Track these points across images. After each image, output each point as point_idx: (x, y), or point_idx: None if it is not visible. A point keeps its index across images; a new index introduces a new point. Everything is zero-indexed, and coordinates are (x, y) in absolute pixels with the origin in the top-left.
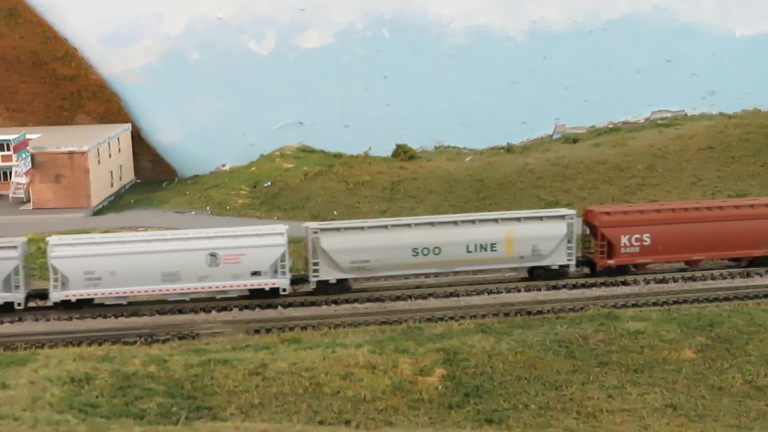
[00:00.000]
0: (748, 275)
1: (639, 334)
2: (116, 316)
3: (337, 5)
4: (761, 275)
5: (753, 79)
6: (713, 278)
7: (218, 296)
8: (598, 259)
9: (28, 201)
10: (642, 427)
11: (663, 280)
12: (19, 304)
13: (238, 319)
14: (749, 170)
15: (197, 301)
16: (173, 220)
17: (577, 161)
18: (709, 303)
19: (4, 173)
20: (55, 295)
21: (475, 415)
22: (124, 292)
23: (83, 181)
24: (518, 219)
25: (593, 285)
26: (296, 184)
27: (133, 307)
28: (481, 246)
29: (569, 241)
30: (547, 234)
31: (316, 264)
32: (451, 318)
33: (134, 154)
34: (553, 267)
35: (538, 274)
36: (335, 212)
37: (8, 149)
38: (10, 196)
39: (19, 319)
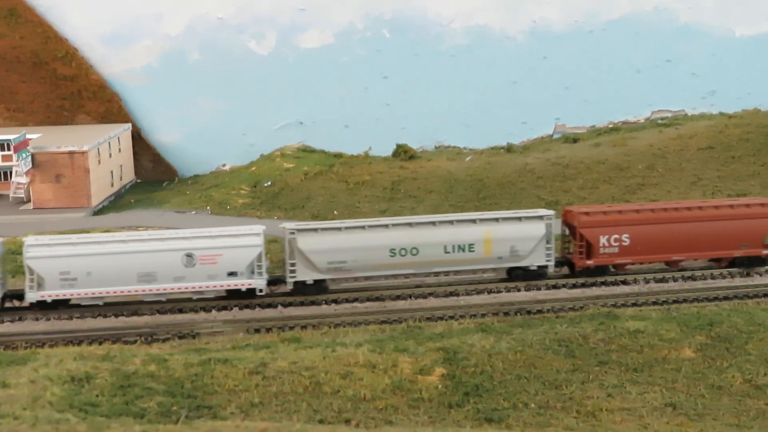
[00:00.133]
0: (748, 275)
1: (639, 334)
2: (116, 316)
3: (337, 5)
4: (761, 275)
5: (753, 79)
6: (713, 278)
7: (195, 297)
8: (577, 260)
9: (29, 201)
10: (642, 426)
11: (663, 280)
12: None
13: (238, 319)
14: (749, 170)
15: (196, 301)
16: (173, 220)
17: (577, 161)
18: (709, 302)
19: (5, 173)
20: (31, 296)
21: (474, 414)
22: (100, 293)
23: (83, 181)
24: (496, 219)
25: (593, 284)
26: (296, 184)
27: (133, 306)
28: (459, 247)
29: (548, 242)
30: (525, 234)
31: (293, 265)
32: (451, 317)
33: (134, 153)
34: (532, 268)
35: (517, 275)
36: (335, 212)
37: (9, 149)
38: (11, 195)
39: (20, 319)
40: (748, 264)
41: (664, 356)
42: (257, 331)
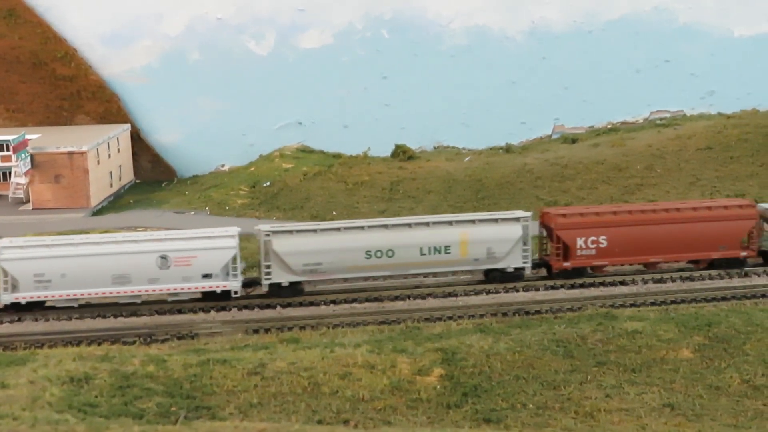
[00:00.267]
0: (746, 275)
1: (637, 334)
2: (115, 316)
3: (337, 5)
4: (759, 275)
5: (752, 79)
6: (711, 278)
7: (170, 299)
8: (554, 262)
9: (28, 201)
10: (640, 427)
11: (661, 280)
12: None
13: (236, 319)
14: (748, 170)
15: (196, 301)
16: (172, 221)
17: (576, 161)
18: (707, 303)
19: (4, 173)
20: (5, 298)
21: (473, 415)
22: (75, 295)
23: (83, 182)
24: (472, 221)
25: (591, 285)
26: (295, 185)
27: (132, 307)
28: (434, 248)
29: (525, 244)
30: (501, 236)
31: (268, 267)
32: (450, 318)
33: (134, 154)
34: (509, 269)
35: (494, 277)
36: (334, 212)
37: (8, 149)
38: (10, 196)
39: (19, 319)
40: (727, 266)
41: (662, 357)
42: (256, 331)
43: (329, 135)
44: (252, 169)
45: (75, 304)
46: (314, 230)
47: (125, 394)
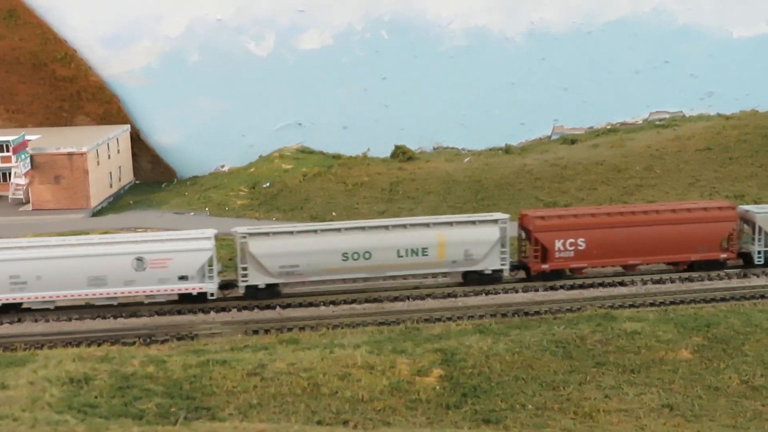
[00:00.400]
0: (745, 276)
1: (636, 335)
2: (115, 317)
3: (337, 6)
4: (758, 276)
5: (751, 80)
6: (710, 279)
7: (146, 301)
8: (532, 264)
9: (28, 202)
10: (639, 428)
11: (660, 281)
12: None
13: (236, 320)
14: (747, 171)
15: (195, 302)
16: (172, 221)
17: (575, 162)
18: (706, 303)
19: (4, 174)
20: None
21: (472, 416)
22: (51, 297)
23: (82, 182)
24: (450, 223)
25: (590, 285)
26: (295, 185)
27: (132, 307)
28: (412, 251)
29: (503, 246)
30: (479, 238)
31: (244, 269)
32: (449, 319)
33: (133, 155)
34: (487, 272)
35: (472, 279)
36: (334, 213)
37: (8, 150)
38: (10, 197)
39: (19, 320)
40: (706, 268)
41: (661, 357)
42: (255, 332)
43: (329, 136)
44: (252, 169)
45: (51, 306)
46: (291, 232)
47: (125, 394)
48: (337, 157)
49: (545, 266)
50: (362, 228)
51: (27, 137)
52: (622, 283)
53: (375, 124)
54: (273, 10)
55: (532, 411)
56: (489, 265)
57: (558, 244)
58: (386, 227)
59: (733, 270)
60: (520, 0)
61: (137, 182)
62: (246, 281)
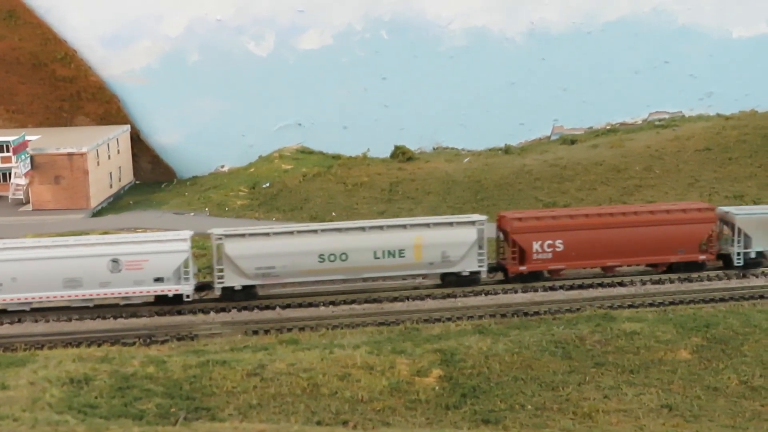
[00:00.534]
0: (744, 276)
1: (635, 335)
2: (115, 317)
3: (337, 6)
4: (757, 276)
5: (750, 80)
6: (709, 279)
7: (122, 303)
8: (510, 266)
9: (28, 202)
10: (638, 428)
11: (659, 281)
12: None
13: (236, 320)
14: (746, 171)
15: (195, 302)
16: (172, 222)
17: (574, 162)
18: (705, 304)
19: (4, 174)
20: None
21: (471, 416)
22: (26, 298)
23: (82, 183)
24: (427, 225)
25: (590, 286)
26: (295, 186)
27: (132, 308)
28: (389, 252)
29: (480, 247)
30: (456, 240)
31: (221, 271)
32: (449, 319)
33: (133, 155)
34: (464, 273)
35: (450, 281)
36: (333, 213)
37: (8, 151)
38: (10, 197)
39: (19, 320)
40: (685, 269)
41: (660, 358)
42: (255, 332)
43: (329, 136)
44: (251, 170)
45: (27, 308)
46: (267, 234)
47: (125, 395)
48: (336, 157)
49: (523, 268)
50: (338, 229)
51: (27, 137)
52: (621, 284)
53: (375, 124)
54: (273, 10)
55: (532, 411)
56: (466, 266)
57: (536, 246)
58: (363, 229)
59: (732, 270)
60: (520, 0)
61: (137, 182)
62: (222, 283)
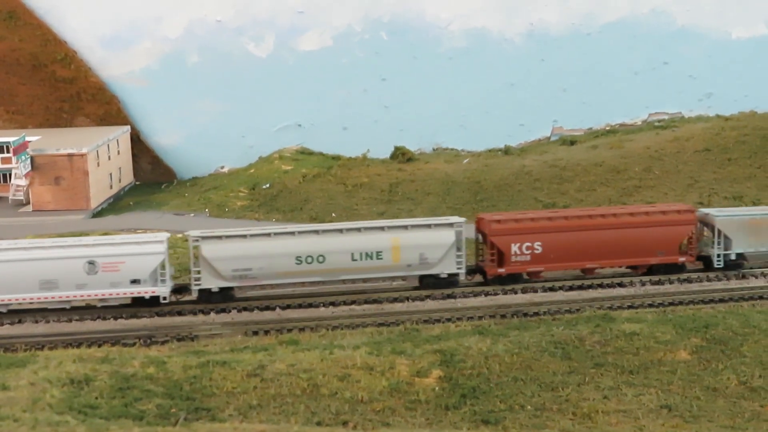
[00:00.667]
0: (744, 277)
1: (634, 336)
2: (115, 318)
3: (336, 8)
4: (756, 277)
5: (750, 81)
6: (708, 280)
7: (99, 305)
8: (488, 268)
9: (28, 203)
10: (637, 428)
11: (659, 282)
12: None
13: (236, 321)
14: (746, 172)
15: (195, 303)
16: (172, 222)
17: (574, 163)
18: (704, 304)
19: (4, 175)
20: None
21: (471, 416)
22: (2, 300)
23: (83, 183)
24: (405, 227)
25: (590, 287)
26: (295, 186)
27: (132, 309)
28: (366, 254)
29: (458, 249)
30: (434, 242)
31: (197, 272)
32: (448, 320)
33: (133, 156)
34: (442, 275)
35: (428, 283)
36: (333, 214)
37: (8, 151)
38: (10, 198)
39: (19, 321)
40: (665, 271)
41: (659, 358)
42: (255, 333)
43: (328, 137)
44: (251, 170)
45: (4, 310)
46: (244, 236)
47: (125, 395)
48: (336, 158)
49: (501, 270)
50: (316, 231)
51: (27, 138)
52: (620, 284)
53: (374, 125)
54: (272, 12)
55: (531, 412)
56: (444, 268)
57: (514, 248)
58: (340, 231)
59: (731, 271)
60: (520, 1)
61: (137, 183)
62: (199, 285)
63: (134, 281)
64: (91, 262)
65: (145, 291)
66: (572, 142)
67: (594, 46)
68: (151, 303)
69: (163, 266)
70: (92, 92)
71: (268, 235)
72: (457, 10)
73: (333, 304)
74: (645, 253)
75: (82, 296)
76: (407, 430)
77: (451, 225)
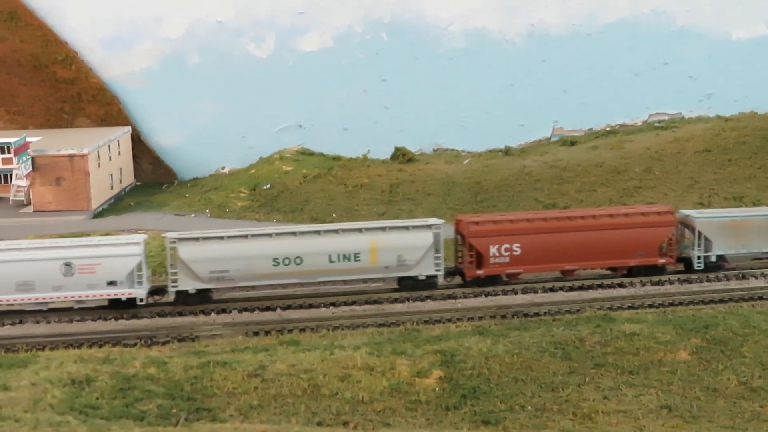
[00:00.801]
0: (743, 277)
1: (634, 336)
2: (116, 319)
3: (336, 8)
4: (756, 277)
5: (750, 81)
6: (708, 280)
7: (76, 306)
8: (467, 269)
9: (29, 204)
10: (637, 429)
11: (659, 282)
12: None
13: (237, 322)
14: (746, 173)
15: (125, 307)
16: (173, 223)
17: (574, 164)
18: (705, 305)
19: (5, 176)
20: None
21: (472, 417)
22: None
23: (83, 184)
24: (383, 229)
25: (590, 287)
26: (295, 187)
27: (133, 309)
28: (344, 256)
29: (437, 251)
30: (412, 244)
31: (174, 274)
32: (449, 320)
33: (134, 156)
34: (421, 277)
35: (407, 285)
36: (334, 215)
37: (9, 152)
38: (11, 198)
39: (20, 321)
40: (645, 273)
41: (659, 359)
42: (256, 333)
43: (329, 137)
44: (252, 171)
45: None
46: (221, 237)
47: (126, 396)
48: (337, 158)
49: (480, 272)
50: (293, 233)
51: (28, 139)
52: (621, 285)
53: (375, 125)
54: (273, 12)
55: (532, 412)
56: (423, 270)
57: (493, 250)
58: (318, 232)
59: (731, 271)
60: (520, 1)
61: (138, 184)
62: (176, 286)
63: (111, 283)
64: (67, 264)
65: (122, 293)
66: (572, 143)
67: (594, 47)
68: (128, 305)
69: (139, 268)
70: (93, 93)
71: (245, 236)
72: (458, 10)
73: (333, 304)
74: (624, 254)
75: (58, 298)
76: (408, 430)
77: (429, 227)
